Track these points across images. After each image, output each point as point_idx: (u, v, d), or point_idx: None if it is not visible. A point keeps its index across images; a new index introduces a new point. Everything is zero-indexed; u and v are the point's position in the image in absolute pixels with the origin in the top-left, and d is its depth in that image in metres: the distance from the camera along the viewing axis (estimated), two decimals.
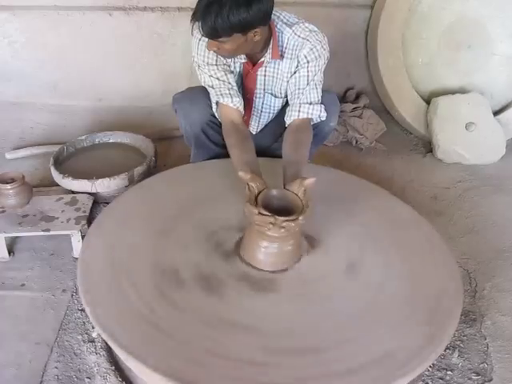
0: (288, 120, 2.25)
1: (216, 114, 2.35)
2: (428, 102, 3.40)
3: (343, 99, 3.59)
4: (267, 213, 1.71)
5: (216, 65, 2.23)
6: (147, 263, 1.82)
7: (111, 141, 2.96)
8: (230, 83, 2.24)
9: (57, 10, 3.23)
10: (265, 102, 2.45)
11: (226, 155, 2.22)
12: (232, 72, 2.30)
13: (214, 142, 2.48)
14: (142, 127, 3.21)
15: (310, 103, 2.24)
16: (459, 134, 3.22)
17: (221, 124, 2.32)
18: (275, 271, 1.84)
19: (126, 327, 1.58)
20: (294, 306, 1.73)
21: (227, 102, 2.23)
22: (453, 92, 3.36)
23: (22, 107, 3.38)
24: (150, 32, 3.31)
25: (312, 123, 2.30)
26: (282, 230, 1.74)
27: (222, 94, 2.23)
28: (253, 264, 1.85)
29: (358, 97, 3.61)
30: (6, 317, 2.06)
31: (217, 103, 2.29)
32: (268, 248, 1.82)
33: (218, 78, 2.24)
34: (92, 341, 1.95)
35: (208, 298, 1.72)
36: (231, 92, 2.23)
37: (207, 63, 2.23)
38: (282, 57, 2.24)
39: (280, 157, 2.42)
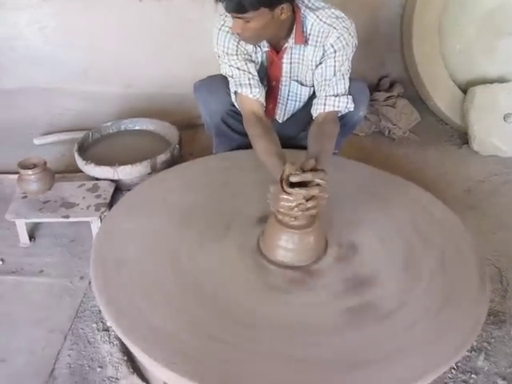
0: (314, 113, 2.19)
1: (235, 104, 2.29)
2: (465, 91, 3.28)
3: (377, 88, 3.49)
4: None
5: (236, 54, 2.18)
6: (165, 263, 1.78)
7: (137, 128, 2.95)
8: (250, 73, 2.19)
9: None
10: (291, 89, 2.39)
11: (249, 145, 2.16)
12: (253, 61, 2.24)
13: (235, 131, 2.43)
14: (171, 114, 3.19)
15: (337, 95, 2.16)
16: (497, 126, 3.10)
17: (241, 113, 2.26)
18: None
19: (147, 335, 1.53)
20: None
21: (246, 92, 2.17)
22: (491, 81, 3.25)
23: (51, 93, 3.37)
24: (180, 17, 3.25)
25: (339, 114, 2.22)
26: (309, 205, 1.69)
27: (241, 84, 2.18)
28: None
29: (391, 85, 3.51)
30: (23, 303, 2.07)
31: (235, 93, 2.23)
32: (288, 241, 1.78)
33: (238, 68, 2.18)
34: (106, 329, 1.94)
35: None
36: (251, 82, 2.17)
37: (227, 53, 2.18)
38: (306, 43, 2.18)
39: (306, 146, 2.38)
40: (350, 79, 2.22)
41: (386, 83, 3.52)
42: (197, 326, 1.55)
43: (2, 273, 2.19)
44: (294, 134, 2.57)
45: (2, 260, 2.25)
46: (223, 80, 2.30)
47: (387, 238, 1.93)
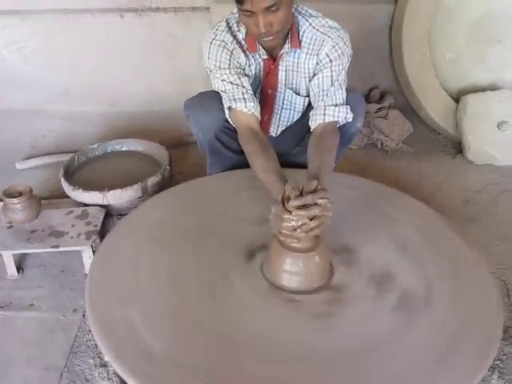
0: (313, 124, 2.13)
1: (229, 120, 2.22)
2: (457, 100, 3.25)
3: (367, 99, 3.44)
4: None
5: (229, 68, 2.11)
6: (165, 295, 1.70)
7: (124, 149, 2.85)
8: (244, 87, 2.12)
9: (66, 13, 3.15)
10: (286, 98, 2.33)
11: (245, 163, 2.10)
12: (246, 75, 2.18)
13: (229, 149, 2.35)
14: (157, 133, 3.12)
15: (336, 105, 2.11)
16: (491, 134, 3.06)
17: (235, 129, 2.19)
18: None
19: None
20: None
21: (241, 107, 2.09)
22: (483, 89, 3.21)
23: (32, 114, 3.30)
24: (164, 33, 3.21)
25: (338, 125, 2.17)
26: (313, 224, 1.63)
27: (234, 99, 2.10)
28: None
29: (382, 96, 3.48)
30: (14, 340, 1.94)
31: (229, 108, 2.16)
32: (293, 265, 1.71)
33: (231, 82, 2.11)
34: (104, 365, 1.81)
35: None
36: (245, 96, 2.10)
37: (219, 67, 2.11)
38: (299, 48, 2.14)
39: (301, 163, 2.32)
40: (346, 90, 2.17)
41: (376, 94, 3.49)
42: (209, 362, 1.47)
43: None
44: (287, 150, 2.51)
45: None
46: (215, 96, 2.24)
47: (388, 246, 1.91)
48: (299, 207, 1.63)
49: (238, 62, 2.14)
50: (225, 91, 2.14)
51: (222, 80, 2.13)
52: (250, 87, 2.14)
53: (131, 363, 1.45)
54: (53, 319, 2.02)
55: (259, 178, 1.94)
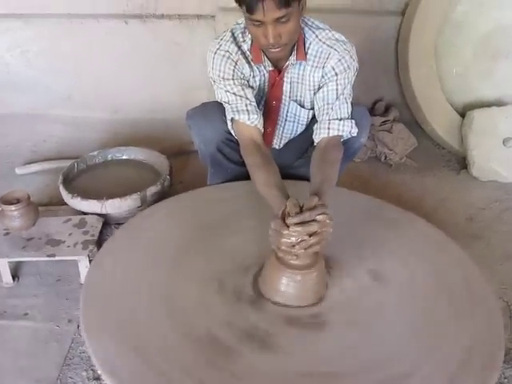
0: (317, 138, 2.10)
1: (232, 132, 2.19)
2: (462, 115, 3.22)
3: (371, 112, 3.40)
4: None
5: (233, 79, 2.08)
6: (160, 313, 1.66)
7: (124, 157, 2.82)
8: (247, 98, 2.09)
9: (70, 18, 3.12)
10: (290, 110, 2.30)
11: (245, 174, 2.08)
12: (251, 87, 2.15)
13: (231, 161, 2.33)
14: (159, 141, 3.09)
15: (340, 119, 2.09)
16: (496, 150, 3.02)
17: (237, 141, 2.16)
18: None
19: None
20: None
21: (244, 119, 2.06)
22: (489, 105, 3.17)
23: (34, 119, 3.28)
24: (168, 41, 3.19)
25: (341, 140, 2.14)
26: (312, 241, 1.61)
27: (238, 111, 2.07)
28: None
29: (387, 109, 3.45)
30: (6, 350, 1.91)
31: (232, 120, 2.13)
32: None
33: (234, 94, 2.08)
34: (97, 378, 1.78)
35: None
36: (248, 108, 2.07)
37: (223, 78, 2.08)
38: (305, 60, 2.11)
39: (303, 176, 2.29)
40: (352, 104, 2.15)
41: (380, 107, 3.46)
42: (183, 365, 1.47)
43: None
44: (290, 162, 2.48)
45: None
46: (218, 107, 2.21)
47: (389, 273, 1.85)
48: (298, 224, 1.60)
49: (242, 73, 2.12)
50: (228, 102, 2.11)
51: (226, 91, 2.10)
52: (253, 99, 2.12)
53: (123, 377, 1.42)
54: (47, 329, 1.99)
55: (260, 192, 1.91)
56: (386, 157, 3.15)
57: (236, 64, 2.09)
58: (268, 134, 2.37)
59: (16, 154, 3.11)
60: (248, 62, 2.12)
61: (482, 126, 3.05)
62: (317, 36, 2.08)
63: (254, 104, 2.11)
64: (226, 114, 2.15)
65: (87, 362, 1.84)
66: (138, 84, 3.27)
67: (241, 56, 2.10)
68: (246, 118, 2.06)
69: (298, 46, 2.07)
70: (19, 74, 3.23)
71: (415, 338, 1.61)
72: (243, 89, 2.10)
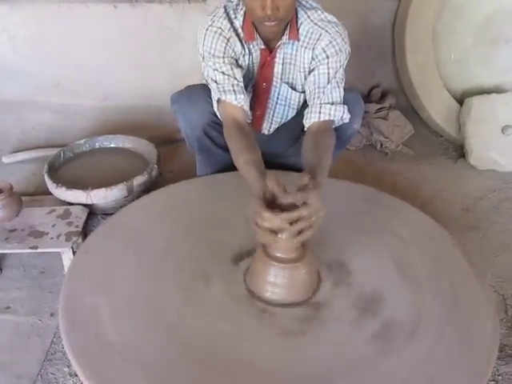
0: (307, 123, 2.04)
1: (217, 114, 2.13)
2: (461, 102, 3.16)
3: (367, 99, 3.37)
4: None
5: (223, 57, 2.03)
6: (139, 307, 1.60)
7: (112, 145, 2.77)
8: (235, 78, 2.03)
9: (58, 2, 3.03)
10: (281, 92, 2.25)
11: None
12: (240, 67, 2.09)
13: (219, 146, 2.26)
14: (150, 128, 3.04)
15: (332, 103, 2.03)
16: (494, 138, 2.97)
17: None
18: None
19: None
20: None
21: (230, 99, 2.00)
22: (488, 91, 3.13)
23: (22, 106, 3.20)
24: (158, 25, 3.11)
25: (333, 126, 2.08)
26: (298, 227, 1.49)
27: (224, 91, 2.01)
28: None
29: (383, 96, 3.40)
30: None
31: (218, 101, 2.07)
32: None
33: (223, 72, 2.02)
34: None
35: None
36: (236, 88, 2.01)
37: (213, 55, 2.02)
38: (297, 40, 2.06)
39: (295, 165, 2.23)
40: (344, 89, 2.09)
41: (376, 94, 3.41)
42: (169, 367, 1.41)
43: None
44: (280, 151, 2.42)
45: None
46: (203, 89, 2.17)
47: (380, 262, 1.79)
48: (285, 207, 1.49)
49: (233, 51, 2.07)
50: (216, 81, 2.05)
51: (214, 69, 2.04)
52: (241, 79, 2.06)
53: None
54: (29, 323, 1.95)
55: (240, 172, 1.84)
56: (381, 145, 3.10)
57: (228, 41, 2.04)
58: (257, 118, 2.32)
59: (3, 142, 3.07)
60: (240, 40, 2.07)
61: (481, 114, 3.00)
62: (308, 16, 2.03)
63: (242, 85, 2.05)
64: (212, 94, 2.09)
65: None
66: (127, 70, 3.20)
67: (233, 33, 2.05)
68: (232, 98, 2.01)
69: (290, 24, 2.03)
70: (6, 60, 3.15)
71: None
72: (232, 68, 2.04)
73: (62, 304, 1.59)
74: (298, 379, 1.40)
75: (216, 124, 2.20)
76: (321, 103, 2.03)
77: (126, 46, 3.16)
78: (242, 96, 2.02)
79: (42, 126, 3.18)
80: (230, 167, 2.24)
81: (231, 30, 2.05)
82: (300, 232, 1.51)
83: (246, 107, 2.04)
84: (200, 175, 2.37)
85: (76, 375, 1.73)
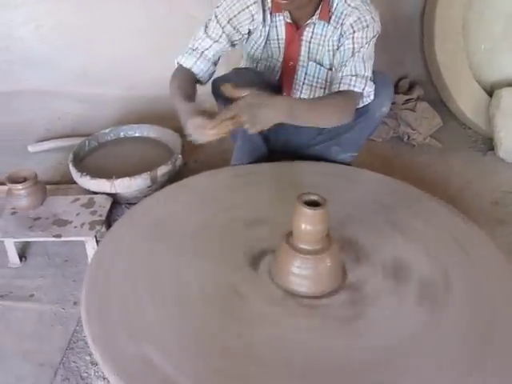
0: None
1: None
2: (490, 93, 3.10)
3: (395, 90, 3.24)
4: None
5: (228, 22, 2.09)
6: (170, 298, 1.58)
7: (137, 134, 2.76)
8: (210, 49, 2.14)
9: None
10: (308, 72, 2.22)
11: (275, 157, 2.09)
12: (233, 45, 2.17)
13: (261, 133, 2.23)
14: (175, 117, 3.00)
15: (354, 75, 2.00)
16: None
17: None
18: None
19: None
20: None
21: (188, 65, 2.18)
22: None
23: (48, 96, 3.21)
24: (184, 14, 3.08)
25: (361, 105, 2.07)
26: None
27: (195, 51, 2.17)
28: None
29: (411, 87, 3.34)
30: (11, 332, 1.88)
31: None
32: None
33: (209, 36, 2.13)
34: None
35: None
36: (201, 56, 2.16)
37: (222, 15, 2.09)
38: (328, 21, 2.05)
39: (322, 155, 2.21)
40: (374, 71, 2.06)
41: (404, 85, 3.35)
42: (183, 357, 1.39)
43: None
44: (308, 140, 2.37)
45: None
46: (251, 70, 2.20)
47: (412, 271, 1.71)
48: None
49: (248, 18, 2.09)
50: (197, 38, 2.18)
51: (209, 25, 2.13)
52: (212, 55, 2.14)
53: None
54: (52, 312, 1.95)
55: (173, 100, 2.02)
56: (409, 137, 3.04)
57: (248, 7, 2.07)
58: None
59: (29, 132, 3.08)
60: (263, 10, 2.08)
61: (511, 106, 2.92)
62: None
63: (210, 56, 2.14)
64: (193, 37, 2.22)
65: None
66: (153, 59, 3.17)
67: (258, 1, 2.06)
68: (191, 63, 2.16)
69: (323, 5, 2.02)
70: (33, 49, 3.16)
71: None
72: (220, 37, 2.10)
73: (84, 293, 1.59)
74: (363, 365, 1.39)
75: None
76: (342, 76, 2.01)
77: (152, 36, 3.14)
78: (201, 66, 2.14)
79: (68, 116, 3.18)
80: (266, 158, 2.26)
81: None
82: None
83: (199, 74, 2.16)
84: (234, 164, 2.31)
85: (97, 364, 1.72)
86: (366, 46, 2.00)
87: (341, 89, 2.00)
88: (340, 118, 2.00)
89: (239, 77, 2.12)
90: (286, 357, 1.39)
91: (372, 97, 2.06)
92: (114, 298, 1.56)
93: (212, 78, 2.19)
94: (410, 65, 3.41)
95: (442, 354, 1.39)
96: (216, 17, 2.08)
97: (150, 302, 1.55)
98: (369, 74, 2.02)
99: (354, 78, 1.99)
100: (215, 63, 2.18)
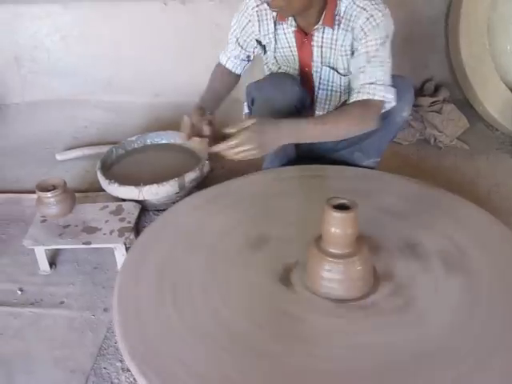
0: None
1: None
2: None
3: (420, 92, 3.28)
4: None
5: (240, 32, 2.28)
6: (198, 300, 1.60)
7: (164, 141, 2.77)
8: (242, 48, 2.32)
9: (110, 0, 3.09)
10: (322, 76, 2.22)
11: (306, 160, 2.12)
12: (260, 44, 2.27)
13: None
14: None
15: (372, 83, 1.97)
16: None
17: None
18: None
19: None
20: None
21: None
22: None
23: (75, 105, 3.27)
24: (208, 21, 3.11)
25: (382, 111, 2.03)
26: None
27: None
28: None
29: (436, 89, 3.30)
30: (42, 339, 1.89)
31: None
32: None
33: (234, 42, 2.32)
34: None
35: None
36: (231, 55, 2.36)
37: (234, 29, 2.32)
38: (337, 26, 2.05)
39: (347, 160, 2.21)
40: (393, 76, 2.03)
41: (430, 87, 3.31)
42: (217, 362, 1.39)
43: (21, 304, 2.03)
44: (333, 144, 2.33)
45: (21, 290, 2.09)
46: (286, 75, 2.21)
47: (445, 275, 1.69)
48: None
49: (253, 32, 2.23)
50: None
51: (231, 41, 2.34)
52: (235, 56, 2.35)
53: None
54: (83, 318, 1.96)
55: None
56: (435, 139, 3.01)
57: (249, 21, 2.21)
58: (309, 107, 2.31)
59: (57, 140, 3.11)
60: (266, 20, 2.17)
61: None
62: (353, 0, 2.00)
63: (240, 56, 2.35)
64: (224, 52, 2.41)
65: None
66: (178, 67, 3.21)
67: (263, 12, 2.16)
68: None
69: (326, 11, 2.02)
70: (59, 59, 3.21)
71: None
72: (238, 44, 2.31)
73: (115, 299, 1.60)
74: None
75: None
76: (360, 84, 2.00)
77: (177, 43, 3.18)
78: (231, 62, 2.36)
79: (95, 124, 3.22)
80: (298, 162, 2.28)
81: (260, 9, 2.15)
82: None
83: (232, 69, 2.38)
84: (266, 167, 2.32)
85: (129, 370, 1.71)
86: (381, 48, 1.98)
87: (360, 98, 1.98)
88: (360, 129, 2.01)
89: (274, 86, 2.15)
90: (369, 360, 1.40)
91: (394, 103, 2.03)
92: (145, 305, 1.58)
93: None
94: (435, 67, 3.38)
95: None
96: (229, 39, 2.30)
97: (180, 309, 1.56)
98: (387, 78, 2.00)
99: (372, 85, 1.97)
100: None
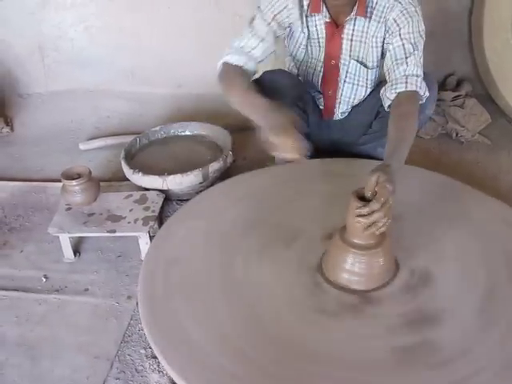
0: (392, 94, 1.99)
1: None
2: None
3: (443, 87, 3.25)
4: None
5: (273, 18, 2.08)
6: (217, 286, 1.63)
7: (187, 132, 2.78)
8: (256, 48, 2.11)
9: None
10: (349, 70, 2.23)
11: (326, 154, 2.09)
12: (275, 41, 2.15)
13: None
14: (223, 115, 3.02)
15: (417, 76, 1.97)
16: None
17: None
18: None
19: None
20: None
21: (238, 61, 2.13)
22: None
23: (98, 95, 3.29)
24: (231, 13, 3.11)
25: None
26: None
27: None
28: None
29: (459, 84, 3.27)
30: (67, 326, 1.91)
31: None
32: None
33: (256, 34, 2.11)
34: (155, 356, 1.73)
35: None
36: (249, 55, 2.12)
37: (266, 12, 2.10)
38: (369, 17, 2.04)
39: (368, 154, 2.21)
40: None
41: (452, 81, 3.29)
42: (242, 354, 1.43)
43: (46, 291, 2.05)
44: (354, 139, 2.37)
45: (46, 277, 2.11)
46: (284, 73, 2.24)
47: (467, 267, 1.72)
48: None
49: (288, 17, 2.10)
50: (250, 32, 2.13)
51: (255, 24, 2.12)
52: (260, 54, 2.12)
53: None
54: (106, 306, 1.98)
55: (237, 100, 2.06)
56: (457, 134, 2.99)
57: (286, 6, 2.07)
58: (329, 99, 2.32)
59: (80, 130, 3.14)
60: (301, 6, 2.09)
61: None
62: None
63: (256, 59, 2.13)
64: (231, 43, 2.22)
65: (146, 339, 1.80)
66: (201, 58, 3.19)
67: (298, 4, 2.07)
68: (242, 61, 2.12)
69: (360, 1, 2.02)
70: (83, 49, 3.24)
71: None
72: (264, 37, 2.09)
73: (140, 287, 1.62)
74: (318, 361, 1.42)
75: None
76: (406, 74, 1.98)
77: (199, 34, 3.18)
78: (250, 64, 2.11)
79: (117, 114, 3.23)
80: (318, 156, 2.26)
81: (297, 1, 2.07)
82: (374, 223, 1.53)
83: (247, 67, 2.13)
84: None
85: (153, 357, 1.74)
86: (419, 42, 1.99)
87: (408, 89, 1.96)
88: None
89: (273, 81, 2.16)
90: None
91: (424, 100, 2.03)
92: (171, 294, 1.60)
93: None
94: (458, 61, 3.36)
95: None
96: (261, 13, 2.10)
97: (203, 296, 1.58)
98: (422, 74, 2.01)
99: (418, 79, 1.97)
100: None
